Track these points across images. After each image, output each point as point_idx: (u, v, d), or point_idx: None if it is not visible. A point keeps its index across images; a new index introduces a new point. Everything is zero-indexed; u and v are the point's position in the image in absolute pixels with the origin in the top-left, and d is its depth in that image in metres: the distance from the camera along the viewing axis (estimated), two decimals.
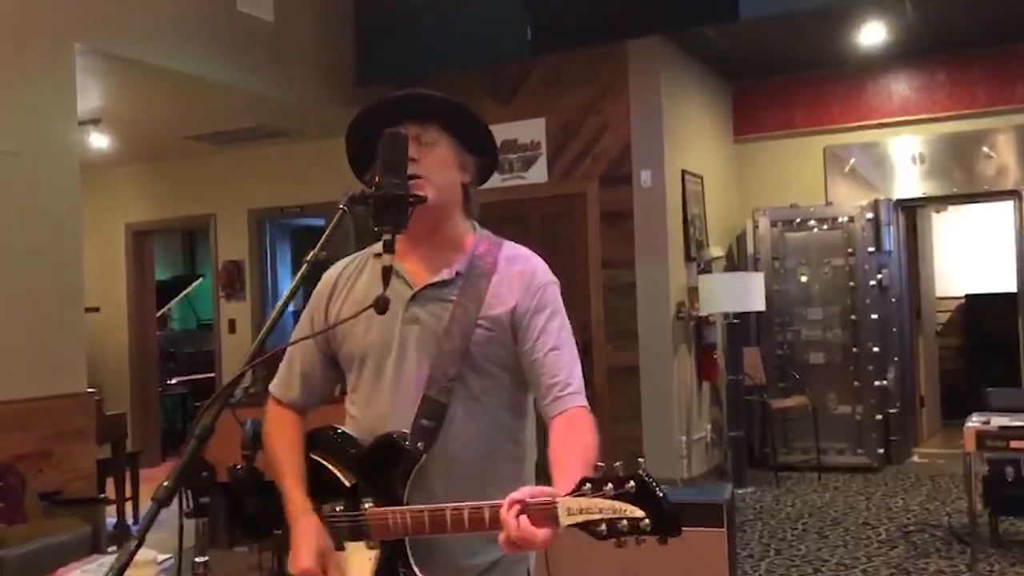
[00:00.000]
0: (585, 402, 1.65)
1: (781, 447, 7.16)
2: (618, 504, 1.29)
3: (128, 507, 5.84)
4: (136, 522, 5.66)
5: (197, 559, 1.35)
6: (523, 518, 1.36)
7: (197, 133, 7.26)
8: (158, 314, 9.65)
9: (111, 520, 5.24)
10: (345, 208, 1.53)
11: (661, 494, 1.29)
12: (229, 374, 7.99)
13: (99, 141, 6.91)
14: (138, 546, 1.24)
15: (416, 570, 1.60)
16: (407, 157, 1.58)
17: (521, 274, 1.72)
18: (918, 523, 5.36)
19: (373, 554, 1.62)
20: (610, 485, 1.30)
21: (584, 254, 6.55)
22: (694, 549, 3.24)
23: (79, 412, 4.65)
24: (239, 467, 2.08)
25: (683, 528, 3.51)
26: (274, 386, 1.84)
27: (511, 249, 1.78)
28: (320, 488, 1.70)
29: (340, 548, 1.66)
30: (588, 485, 1.32)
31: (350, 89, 6.51)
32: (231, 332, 8.13)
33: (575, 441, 1.57)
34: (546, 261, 1.80)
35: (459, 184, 1.76)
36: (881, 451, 6.97)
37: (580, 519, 1.32)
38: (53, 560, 3.19)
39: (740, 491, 6.40)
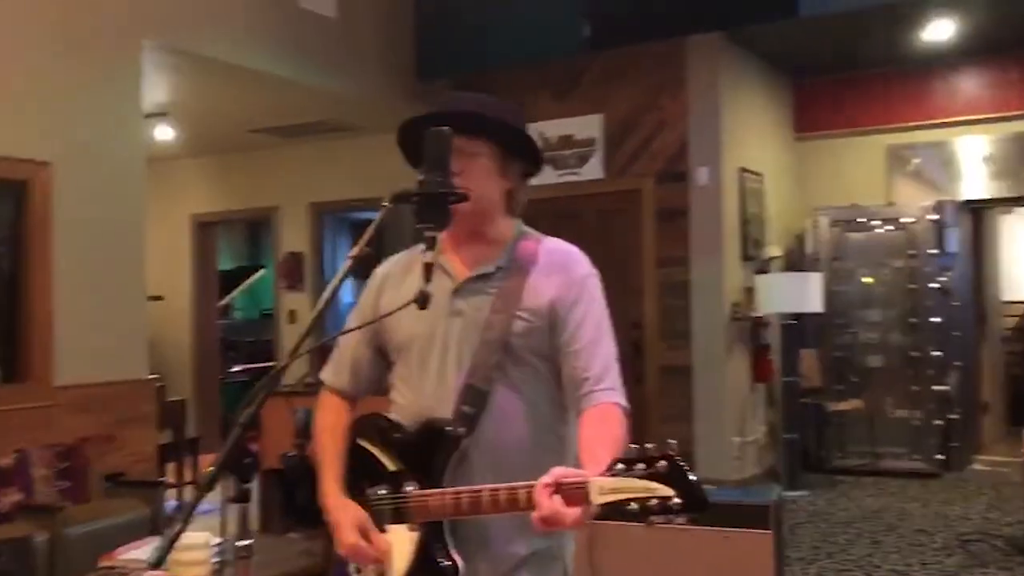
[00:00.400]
0: (620, 399, 1.68)
1: (836, 451, 7.05)
2: (649, 484, 1.32)
3: (188, 491, 6.00)
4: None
5: (239, 543, 1.40)
6: (556, 497, 1.40)
7: (261, 127, 7.42)
8: (221, 303, 9.88)
9: (171, 503, 5.40)
10: (389, 205, 1.57)
11: (691, 473, 1.32)
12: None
13: (165, 134, 7.10)
14: (182, 528, 1.29)
15: (453, 553, 1.65)
16: (451, 155, 1.62)
17: (562, 267, 1.77)
18: (977, 532, 5.23)
19: (414, 536, 1.67)
20: (641, 465, 1.33)
21: (638, 252, 6.53)
22: (740, 551, 3.23)
23: (141, 397, 4.80)
24: (291, 455, 2.14)
25: (729, 529, 3.48)
26: (325, 374, 1.92)
27: (552, 243, 1.83)
28: (365, 472, 1.77)
29: (382, 531, 1.72)
30: (620, 465, 1.35)
31: (410, 84, 6.59)
32: (291, 322, 8.30)
33: (605, 432, 1.60)
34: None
35: (500, 190, 1.82)
36: (940, 457, 6.82)
37: (611, 498, 1.34)
38: (114, 539, 3.30)
39: (793, 494, 6.33)
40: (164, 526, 4.18)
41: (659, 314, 6.47)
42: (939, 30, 6.47)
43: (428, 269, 1.56)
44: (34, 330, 4.34)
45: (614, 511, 1.35)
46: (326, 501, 1.76)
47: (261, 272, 10.95)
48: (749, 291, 6.62)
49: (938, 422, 6.85)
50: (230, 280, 10.93)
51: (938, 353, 6.86)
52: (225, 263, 11.05)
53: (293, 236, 8.25)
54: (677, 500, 1.30)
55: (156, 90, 6.03)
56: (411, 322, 1.75)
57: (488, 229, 1.80)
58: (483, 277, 1.75)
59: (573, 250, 1.82)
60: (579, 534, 3.41)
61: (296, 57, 5.85)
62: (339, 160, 7.82)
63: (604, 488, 1.35)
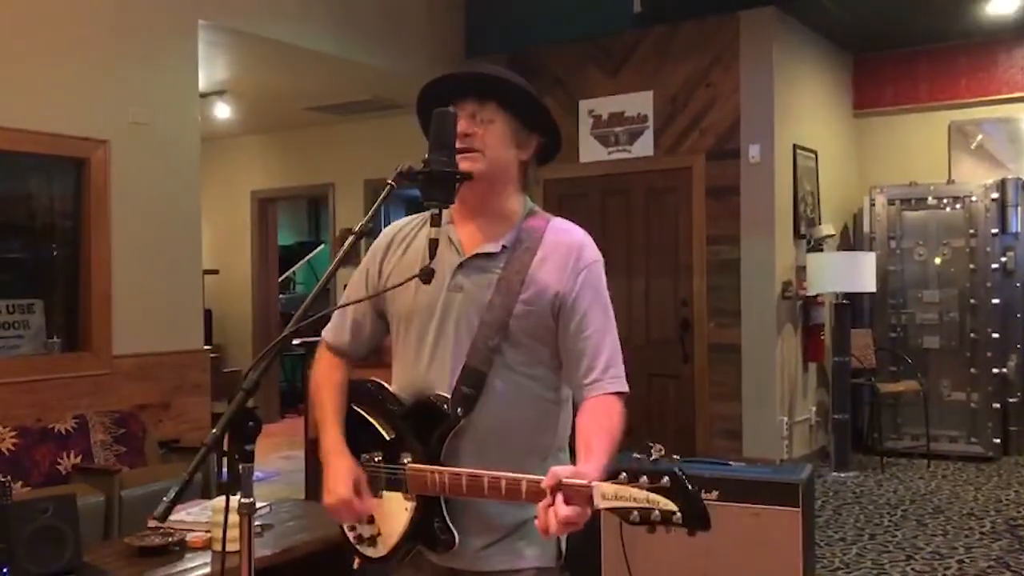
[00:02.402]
0: (624, 387, 1.70)
1: (890, 432, 6.95)
2: (652, 496, 1.36)
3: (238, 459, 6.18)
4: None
5: (243, 500, 1.48)
6: (558, 497, 1.43)
7: (317, 105, 7.55)
8: (282, 278, 10.11)
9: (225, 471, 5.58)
10: (393, 184, 1.62)
11: (693, 490, 1.36)
12: None
13: (224, 112, 7.27)
14: (187, 483, 1.38)
15: (450, 524, 1.69)
16: (455, 134, 1.66)
17: (567, 252, 1.75)
18: None
19: (410, 505, 1.72)
20: (645, 478, 1.38)
21: (688, 229, 6.49)
22: (768, 528, 3.25)
23: (196, 367, 4.97)
24: None
25: (759, 506, 3.50)
26: (327, 331, 1.94)
27: (559, 224, 1.81)
28: (361, 438, 1.80)
29: (377, 496, 1.77)
30: (623, 475, 1.39)
31: (459, 62, 6.62)
32: None
33: (604, 420, 1.63)
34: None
35: (515, 161, 1.81)
36: (997, 441, 6.68)
37: (614, 504, 1.39)
38: None
39: (842, 475, 6.28)
40: (215, 492, 4.35)
41: (708, 292, 6.43)
42: (1004, 2, 6.27)
43: (433, 245, 1.60)
44: (93, 301, 4.53)
45: (616, 515, 1.40)
46: (326, 449, 1.78)
47: (320, 248, 11.18)
48: (801, 270, 6.55)
49: (997, 405, 6.70)
50: (293, 255, 11.19)
51: (997, 335, 6.70)
52: (287, 239, 11.30)
53: (348, 212, 8.39)
54: (679, 515, 1.35)
55: (213, 69, 6.19)
56: (412, 293, 1.77)
57: (499, 202, 1.79)
58: (488, 255, 1.75)
59: (579, 234, 1.80)
60: None
61: (348, 36, 5.94)
62: (392, 137, 7.90)
63: (607, 494, 1.40)
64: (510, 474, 1.55)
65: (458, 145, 1.66)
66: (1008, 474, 6.25)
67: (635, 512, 1.37)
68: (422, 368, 1.76)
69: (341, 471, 1.74)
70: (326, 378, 1.88)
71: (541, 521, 1.45)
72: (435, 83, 1.82)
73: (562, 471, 1.45)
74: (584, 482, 1.42)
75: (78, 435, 4.18)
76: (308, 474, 5.11)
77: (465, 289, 1.75)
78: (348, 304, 1.90)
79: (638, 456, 1.40)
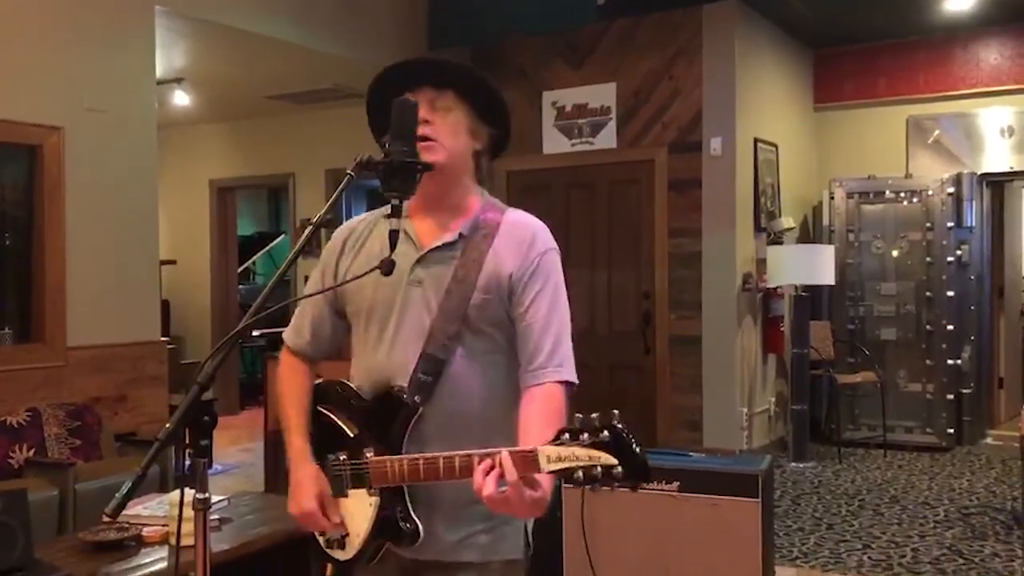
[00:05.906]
0: (567, 375, 1.69)
1: (848, 423, 7.05)
2: (594, 452, 1.35)
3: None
4: (211, 467, 5.91)
5: (197, 495, 1.45)
6: (506, 461, 1.43)
7: (277, 93, 7.45)
8: (242, 268, 9.99)
9: (186, 463, 5.51)
10: (353, 174, 1.60)
11: (634, 442, 1.35)
12: None
13: (182, 99, 7.16)
14: (141, 478, 1.35)
15: (413, 515, 1.69)
16: (416, 124, 1.65)
17: (521, 238, 1.76)
18: (980, 505, 5.25)
19: (374, 500, 1.70)
20: (586, 434, 1.37)
21: (650, 222, 6.52)
22: (727, 519, 3.27)
23: (153, 359, 4.89)
24: None
25: (717, 497, 3.52)
26: (287, 335, 1.94)
27: (514, 214, 1.82)
28: (326, 438, 1.79)
29: (343, 494, 1.75)
30: (566, 435, 1.39)
31: (421, 52, 6.57)
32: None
33: (545, 411, 1.63)
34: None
35: (471, 150, 1.81)
36: (951, 431, 6.81)
37: (559, 466, 1.38)
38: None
39: (800, 465, 6.35)
40: (173, 485, 4.29)
41: (670, 284, 6.47)
42: None
43: (394, 237, 1.59)
44: (47, 292, 4.43)
45: (562, 478, 1.39)
46: (293, 459, 1.77)
47: (281, 238, 11.07)
48: (761, 262, 6.60)
49: (951, 396, 6.83)
50: (253, 246, 11.07)
51: (952, 327, 6.82)
52: (247, 229, 11.17)
53: (309, 202, 8.31)
54: (619, 469, 1.34)
55: (171, 55, 6.08)
56: (371, 289, 1.76)
57: (456, 194, 1.79)
58: (445, 246, 1.75)
59: (535, 223, 1.80)
60: (570, 499, 3.46)
61: (309, 24, 5.86)
62: (353, 127, 7.72)
63: (551, 457, 1.39)
64: (463, 452, 1.54)
65: (418, 132, 1.66)
66: (961, 464, 6.38)
67: (579, 471, 1.36)
68: (382, 360, 1.75)
69: (305, 482, 1.73)
70: (288, 385, 1.87)
71: (477, 483, 1.45)
72: (391, 70, 1.81)
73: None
74: (529, 448, 1.42)
75: (31, 428, 4.10)
76: (267, 467, 5.06)
77: (424, 281, 1.75)
78: (307, 296, 1.88)
79: (579, 415, 1.39)
